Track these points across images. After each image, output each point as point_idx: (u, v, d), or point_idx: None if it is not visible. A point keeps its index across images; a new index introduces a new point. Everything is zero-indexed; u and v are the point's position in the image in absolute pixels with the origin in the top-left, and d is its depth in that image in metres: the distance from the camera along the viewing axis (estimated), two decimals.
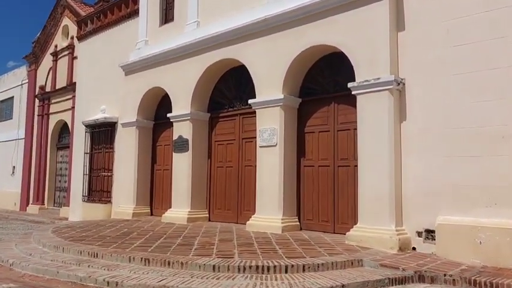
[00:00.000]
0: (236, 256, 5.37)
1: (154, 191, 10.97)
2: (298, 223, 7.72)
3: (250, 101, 8.16)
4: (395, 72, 6.33)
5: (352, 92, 6.66)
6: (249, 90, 8.91)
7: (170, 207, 9.86)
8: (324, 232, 7.37)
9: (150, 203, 10.97)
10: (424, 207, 6.02)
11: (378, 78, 6.31)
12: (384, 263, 5.21)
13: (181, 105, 9.62)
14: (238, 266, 4.86)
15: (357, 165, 7.02)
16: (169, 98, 10.22)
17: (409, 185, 6.20)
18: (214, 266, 4.91)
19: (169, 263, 5.12)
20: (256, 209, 7.93)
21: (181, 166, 9.48)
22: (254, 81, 8.21)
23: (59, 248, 6.31)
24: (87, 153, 12.54)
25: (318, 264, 5.02)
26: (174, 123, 9.82)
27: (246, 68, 8.66)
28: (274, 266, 4.86)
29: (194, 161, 9.38)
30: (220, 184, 9.39)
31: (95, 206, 11.89)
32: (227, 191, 9.21)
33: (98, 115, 12.07)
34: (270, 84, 7.83)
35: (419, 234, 6.08)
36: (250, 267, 4.85)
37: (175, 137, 9.73)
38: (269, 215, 7.58)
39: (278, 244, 6.23)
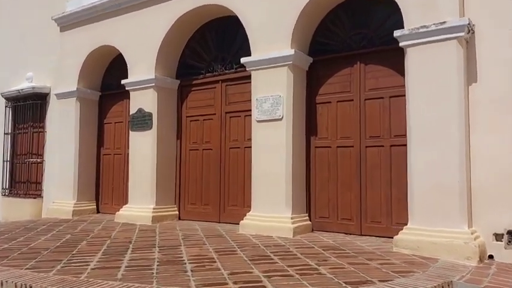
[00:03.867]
0: (268, 284, 3.38)
1: (102, 181, 8.56)
2: (309, 222, 5.86)
3: (243, 60, 6.09)
4: (463, 15, 4.63)
5: (400, 44, 4.86)
6: (235, 49, 6.86)
7: (126, 203, 7.58)
8: (347, 234, 5.59)
9: (96, 197, 8.55)
10: (504, 200, 4.41)
11: (443, 23, 4.55)
12: (487, 287, 3.51)
13: (142, 69, 7.31)
14: None
15: (394, 145, 5.34)
16: (122, 60, 7.83)
17: (481, 171, 4.55)
18: None
19: None
20: (252, 204, 5.94)
21: (142, 149, 7.22)
22: (249, 34, 6.15)
23: None
24: (7, 133, 9.73)
25: None
26: (131, 93, 7.49)
27: (231, 19, 6.62)
28: None
29: (160, 142, 7.16)
30: (194, 172, 7.26)
31: (19, 202, 9.19)
32: (204, 181, 7.11)
33: (23, 84, 9.31)
34: (274, 37, 5.83)
35: (497, 237, 4.47)
36: None
37: (133, 111, 7.41)
38: (273, 213, 5.64)
39: (307, 256, 4.32)
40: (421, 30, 4.67)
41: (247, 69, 6.09)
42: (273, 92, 5.78)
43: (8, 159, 9.68)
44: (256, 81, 5.98)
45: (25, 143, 9.43)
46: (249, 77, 6.42)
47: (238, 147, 6.73)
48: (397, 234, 4.89)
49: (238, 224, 6.16)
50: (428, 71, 4.65)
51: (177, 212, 7.31)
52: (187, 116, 7.42)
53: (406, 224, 5.01)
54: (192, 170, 7.29)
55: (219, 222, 6.80)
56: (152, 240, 5.34)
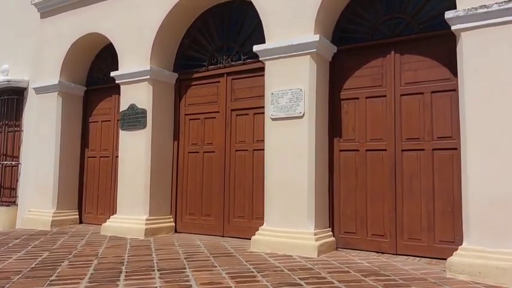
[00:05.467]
0: None
1: (86, 188, 7.57)
2: (333, 239, 5.00)
3: (256, 48, 5.23)
4: None
5: (453, 28, 4.06)
6: (243, 37, 6.03)
7: (113, 213, 6.65)
8: (378, 252, 4.76)
9: (79, 205, 7.55)
10: None
11: (508, 2, 3.77)
12: None
13: (135, 60, 6.39)
14: None
15: (437, 149, 4.57)
16: (111, 51, 6.95)
17: None
18: None
19: None
20: (265, 217, 5.06)
21: (134, 151, 6.27)
22: (263, 19, 5.30)
23: None
24: None
25: None
26: (122, 87, 6.55)
27: (239, 3, 5.85)
28: None
29: (154, 142, 6.23)
30: (193, 178, 6.35)
31: None
32: (205, 188, 6.21)
33: None
34: (294, 20, 4.99)
35: None
36: None
37: (123, 107, 6.47)
38: (292, 227, 4.78)
39: (348, 285, 3.46)
40: (480, 10, 3.89)
41: (260, 58, 5.23)
42: (292, 85, 4.94)
43: None
44: (272, 73, 5.13)
45: None
46: (259, 69, 5.64)
47: (246, 150, 5.86)
48: (442, 253, 4.21)
49: (246, 238, 5.37)
50: (488, 60, 3.86)
51: (173, 224, 6.38)
52: (186, 114, 6.52)
53: (452, 242, 4.31)
54: (191, 176, 6.38)
55: (223, 236, 5.90)
56: (149, 260, 4.41)
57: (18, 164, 8.02)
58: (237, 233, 5.79)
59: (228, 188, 5.97)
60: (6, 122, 8.32)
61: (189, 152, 6.44)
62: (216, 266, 4.12)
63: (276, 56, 5.05)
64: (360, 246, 4.91)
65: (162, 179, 6.32)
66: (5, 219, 7.78)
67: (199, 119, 6.37)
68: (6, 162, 8.18)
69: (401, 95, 4.79)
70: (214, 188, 6.11)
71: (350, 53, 5.16)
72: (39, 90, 7.48)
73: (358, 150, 5.02)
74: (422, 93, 4.67)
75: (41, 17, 7.65)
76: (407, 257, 4.57)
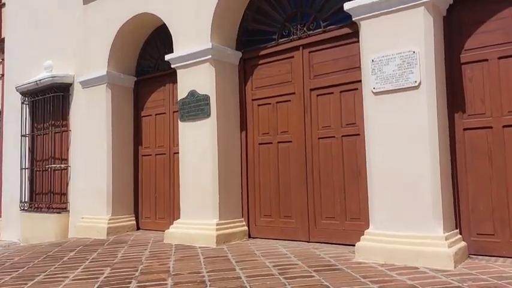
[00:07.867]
0: None
1: (142, 190, 6.77)
2: (465, 243, 3.87)
3: (348, 5, 4.15)
4: None
5: None
6: (320, 1, 4.97)
7: (174, 217, 5.84)
8: None
9: (135, 209, 6.77)
10: None
11: None
12: None
13: (192, 39, 5.48)
14: None
15: None
16: (162, 34, 6.13)
17: None
18: None
19: None
20: (371, 217, 4.00)
21: (198, 144, 5.37)
22: None
23: None
24: (25, 135, 8.06)
25: None
26: (178, 72, 5.66)
27: None
28: None
29: (221, 133, 5.31)
30: (266, 173, 5.37)
31: (41, 218, 7.47)
32: (282, 185, 5.22)
33: (42, 74, 7.64)
34: None
35: None
36: None
37: (182, 95, 5.58)
38: (411, 230, 3.69)
39: None
40: None
41: (354, 18, 4.16)
42: (400, 47, 3.86)
43: (27, 166, 8.01)
44: (371, 35, 4.05)
45: (46, 146, 7.73)
46: (346, 36, 4.69)
47: (333, 137, 4.83)
48: None
49: (340, 244, 4.52)
50: None
51: (246, 228, 5.44)
52: (253, 99, 5.55)
53: None
54: (263, 171, 5.41)
55: (309, 242, 4.90)
56: (236, 278, 3.46)
57: (67, 166, 7.34)
58: (326, 237, 4.77)
59: (311, 184, 4.96)
60: (53, 122, 7.66)
61: (259, 144, 5.47)
62: (328, 286, 3.11)
63: (377, 13, 3.97)
64: (502, 252, 3.76)
65: (230, 175, 5.40)
66: (56, 228, 7.12)
67: (270, 103, 5.39)
68: (54, 165, 7.52)
69: None
70: (294, 185, 5.11)
71: (470, 4, 4.01)
72: (86, 84, 6.75)
73: (491, 128, 3.86)
74: None
75: (84, 3, 6.91)
76: None
